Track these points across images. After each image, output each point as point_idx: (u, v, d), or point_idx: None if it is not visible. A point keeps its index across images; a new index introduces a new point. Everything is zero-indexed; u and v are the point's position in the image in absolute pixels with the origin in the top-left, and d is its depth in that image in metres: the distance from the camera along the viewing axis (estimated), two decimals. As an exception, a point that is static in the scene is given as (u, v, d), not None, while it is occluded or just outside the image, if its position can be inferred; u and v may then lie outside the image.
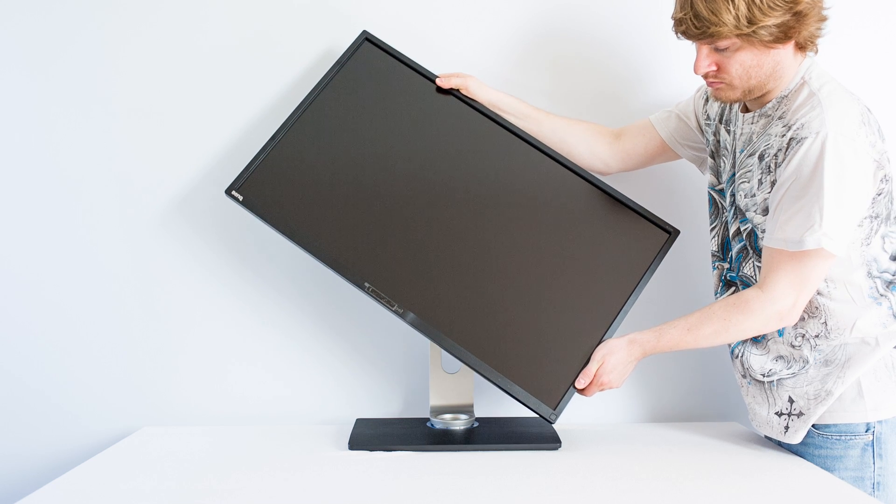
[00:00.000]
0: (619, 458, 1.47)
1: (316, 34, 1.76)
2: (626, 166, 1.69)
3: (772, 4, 1.27)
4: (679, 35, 1.37)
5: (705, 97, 1.58)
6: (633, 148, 1.66)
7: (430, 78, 1.66)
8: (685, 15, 1.33)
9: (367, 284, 1.50)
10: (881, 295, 1.38)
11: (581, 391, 1.47)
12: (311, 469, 1.42)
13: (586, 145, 1.66)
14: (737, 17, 1.27)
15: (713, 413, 1.80)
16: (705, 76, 1.40)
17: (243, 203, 1.54)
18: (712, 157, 1.56)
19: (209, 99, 1.77)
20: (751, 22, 1.28)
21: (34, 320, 1.77)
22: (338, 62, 1.65)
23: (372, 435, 1.58)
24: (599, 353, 1.47)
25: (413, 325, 1.49)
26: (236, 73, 1.76)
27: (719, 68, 1.37)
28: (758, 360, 1.46)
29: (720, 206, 1.55)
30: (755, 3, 1.27)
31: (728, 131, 1.51)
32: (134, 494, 1.30)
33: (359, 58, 1.65)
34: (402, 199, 1.57)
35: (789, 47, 1.35)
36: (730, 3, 1.27)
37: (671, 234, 1.60)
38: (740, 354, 1.50)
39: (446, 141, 1.63)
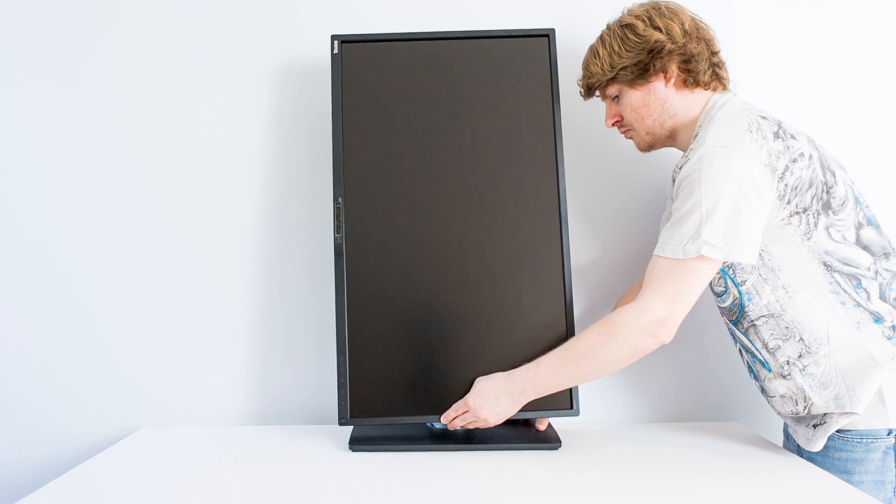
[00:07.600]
0: (619, 458, 1.47)
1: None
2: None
3: (626, 47, 1.51)
4: (581, 95, 1.62)
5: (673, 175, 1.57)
6: None
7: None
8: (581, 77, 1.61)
9: None
10: (844, 292, 1.37)
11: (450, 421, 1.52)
12: (312, 469, 1.42)
13: None
14: (601, 68, 1.54)
15: (713, 413, 1.80)
16: (615, 126, 1.60)
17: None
18: None
19: (206, 102, 1.77)
20: (612, 67, 1.53)
21: (34, 320, 1.77)
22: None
23: (372, 435, 1.58)
24: (476, 382, 1.52)
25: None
26: (229, 76, 1.77)
27: (621, 118, 1.58)
28: (778, 404, 1.48)
29: None
30: (614, 51, 1.52)
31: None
32: (134, 494, 1.30)
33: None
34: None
35: (669, 84, 1.51)
36: (597, 58, 1.55)
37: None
38: (768, 401, 1.52)
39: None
